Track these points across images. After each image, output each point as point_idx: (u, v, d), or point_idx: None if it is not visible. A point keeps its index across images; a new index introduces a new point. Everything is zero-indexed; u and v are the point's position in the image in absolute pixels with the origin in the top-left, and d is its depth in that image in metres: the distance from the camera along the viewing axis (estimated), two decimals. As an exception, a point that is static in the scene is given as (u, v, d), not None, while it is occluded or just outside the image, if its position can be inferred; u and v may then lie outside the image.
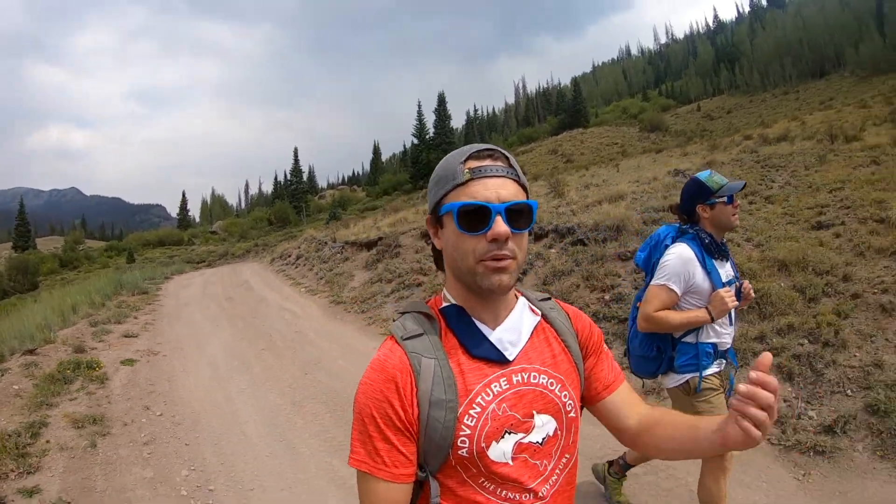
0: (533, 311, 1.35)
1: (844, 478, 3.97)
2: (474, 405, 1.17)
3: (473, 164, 1.18)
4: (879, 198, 8.40)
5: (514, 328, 1.27)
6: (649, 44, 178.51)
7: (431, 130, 71.85)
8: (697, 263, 2.88)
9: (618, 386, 1.41)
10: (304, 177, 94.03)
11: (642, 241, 8.18)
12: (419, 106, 73.51)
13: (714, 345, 2.98)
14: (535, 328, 1.32)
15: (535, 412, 1.23)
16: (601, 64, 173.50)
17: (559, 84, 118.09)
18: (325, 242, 20.04)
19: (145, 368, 8.21)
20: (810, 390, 4.82)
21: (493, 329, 1.25)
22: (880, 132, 15.97)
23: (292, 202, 76.46)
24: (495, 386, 1.20)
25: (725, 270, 3.03)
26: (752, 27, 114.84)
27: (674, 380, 3.03)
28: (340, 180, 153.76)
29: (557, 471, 1.27)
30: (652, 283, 2.94)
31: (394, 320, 1.29)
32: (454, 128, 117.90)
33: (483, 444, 1.17)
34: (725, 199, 2.92)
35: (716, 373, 3.00)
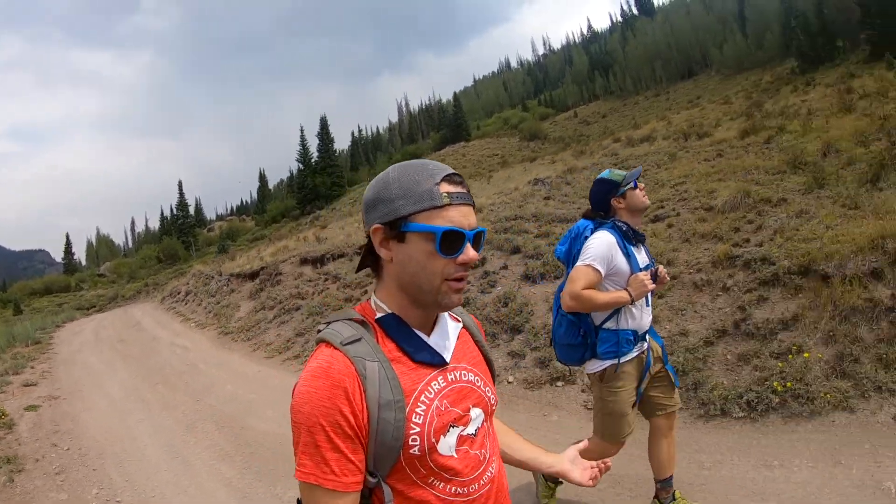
0: (453, 318, 1.44)
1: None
2: (419, 403, 1.23)
3: (450, 188, 1.24)
4: (712, 188, 9.58)
5: (444, 333, 1.36)
6: (528, 55, 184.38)
7: (315, 154, 72.11)
8: (618, 248, 3.13)
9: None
10: (192, 210, 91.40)
11: (490, 249, 9.49)
12: (301, 131, 73.31)
13: (633, 331, 3.21)
14: (459, 333, 1.43)
15: (470, 406, 1.33)
16: (482, 77, 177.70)
17: (440, 100, 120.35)
18: (212, 276, 20.54)
19: (48, 412, 8.67)
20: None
21: (429, 335, 1.33)
22: (731, 126, 17.78)
23: (180, 237, 74.93)
24: (434, 384, 1.27)
25: (642, 256, 3.30)
26: (624, 35, 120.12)
27: (594, 366, 3.25)
28: (229, 210, 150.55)
29: (494, 460, 1.38)
30: (577, 264, 3.11)
31: (319, 331, 1.31)
32: (341, 149, 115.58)
33: (433, 440, 1.22)
34: (632, 184, 3.23)
35: (636, 356, 3.25)
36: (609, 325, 3.17)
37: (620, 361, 3.15)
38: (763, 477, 4.02)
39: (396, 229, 1.23)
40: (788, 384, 4.74)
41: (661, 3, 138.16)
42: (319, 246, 15.21)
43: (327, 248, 14.63)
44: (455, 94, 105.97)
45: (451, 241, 1.21)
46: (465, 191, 1.27)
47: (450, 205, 1.22)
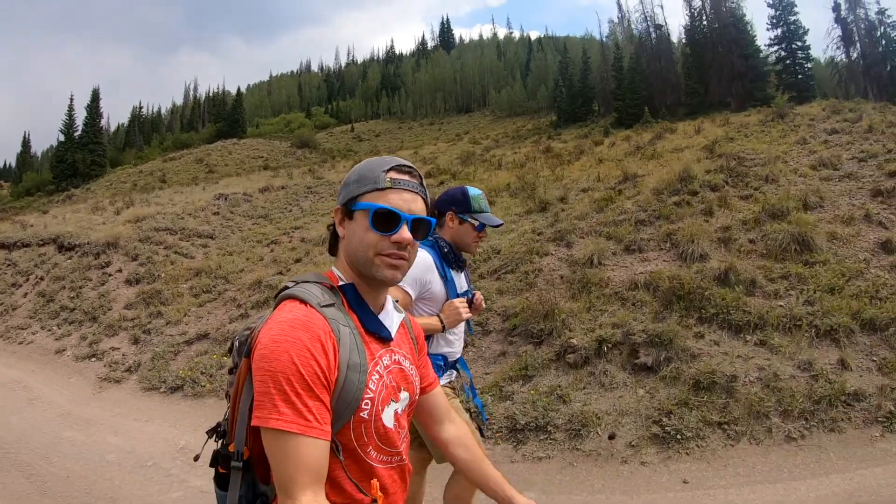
0: (398, 309, 1.58)
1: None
2: (374, 373, 1.34)
3: (395, 175, 1.37)
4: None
5: (390, 316, 1.49)
6: (332, 62, 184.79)
7: (80, 128, 67.53)
8: (436, 271, 2.91)
9: (434, 387, 1.71)
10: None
11: (129, 256, 12.41)
12: (71, 100, 68.42)
13: (444, 356, 3.02)
14: (401, 323, 1.56)
15: (402, 387, 1.45)
16: (279, 74, 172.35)
17: (231, 90, 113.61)
18: None
19: None
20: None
21: (378, 314, 1.45)
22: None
23: None
24: (385, 359, 1.40)
25: (461, 282, 3.09)
26: (419, 62, 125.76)
27: None
28: None
29: (406, 438, 1.51)
30: None
31: (287, 286, 1.38)
32: (120, 123, 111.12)
33: (380, 407, 1.34)
34: (477, 223, 2.99)
35: (448, 383, 3.05)
36: None
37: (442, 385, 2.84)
38: None
39: (348, 208, 1.39)
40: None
41: (463, 39, 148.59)
42: (24, 233, 16.93)
43: (30, 235, 16.37)
44: (239, 89, 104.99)
45: (385, 220, 1.33)
46: (412, 180, 1.40)
47: (391, 188, 1.35)
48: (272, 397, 1.15)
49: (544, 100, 76.94)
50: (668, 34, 58.90)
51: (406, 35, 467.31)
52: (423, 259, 2.88)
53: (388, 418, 1.37)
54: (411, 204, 1.38)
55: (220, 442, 1.44)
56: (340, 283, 1.41)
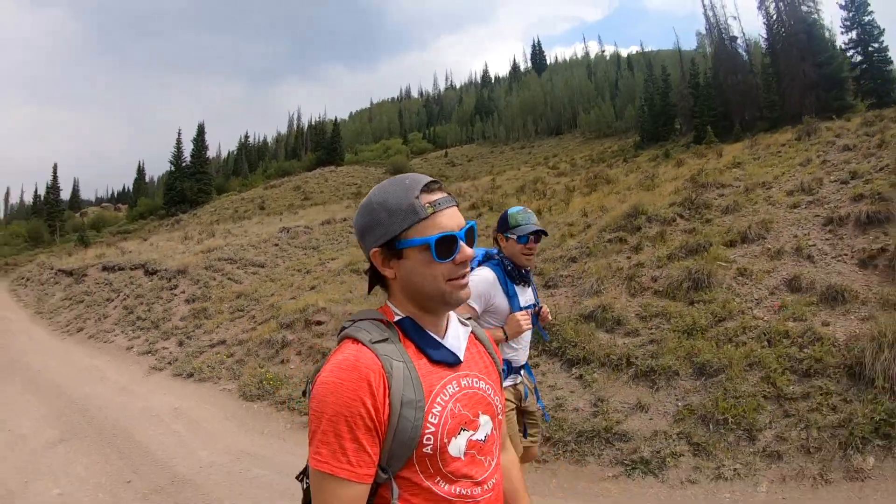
0: (462, 322, 1.51)
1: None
2: (436, 405, 1.28)
3: (430, 197, 1.30)
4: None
5: (456, 336, 1.44)
6: (430, 87, 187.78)
7: (188, 159, 73.48)
8: (499, 286, 3.15)
9: (504, 412, 1.65)
10: (68, 192, 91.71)
11: (192, 281, 15.16)
12: (179, 133, 74.56)
13: (508, 361, 3.25)
14: (469, 338, 1.49)
15: (479, 412, 1.38)
16: (381, 101, 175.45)
17: (332, 119, 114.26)
18: (47, 268, 25.65)
19: None
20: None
21: (442, 338, 1.40)
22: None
23: (48, 220, 74.52)
24: (449, 387, 1.33)
25: (526, 296, 3.33)
26: (511, 85, 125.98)
27: None
28: (110, 194, 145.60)
29: (497, 467, 1.44)
30: None
31: (344, 326, 1.36)
32: (231, 150, 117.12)
33: (445, 440, 1.28)
34: (516, 238, 3.19)
35: (510, 386, 3.31)
36: None
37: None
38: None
39: (393, 248, 1.31)
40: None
41: (558, 59, 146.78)
42: (123, 258, 20.83)
43: (126, 260, 20.17)
44: (335, 119, 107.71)
45: (445, 246, 1.28)
46: (444, 195, 1.33)
47: (434, 213, 1.28)
48: (314, 436, 1.19)
49: (631, 119, 74.06)
50: (748, 46, 55.31)
51: (501, 57, 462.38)
52: (486, 276, 3.15)
53: (456, 449, 1.31)
54: (456, 219, 1.34)
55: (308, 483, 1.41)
56: (397, 317, 1.38)
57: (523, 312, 3.18)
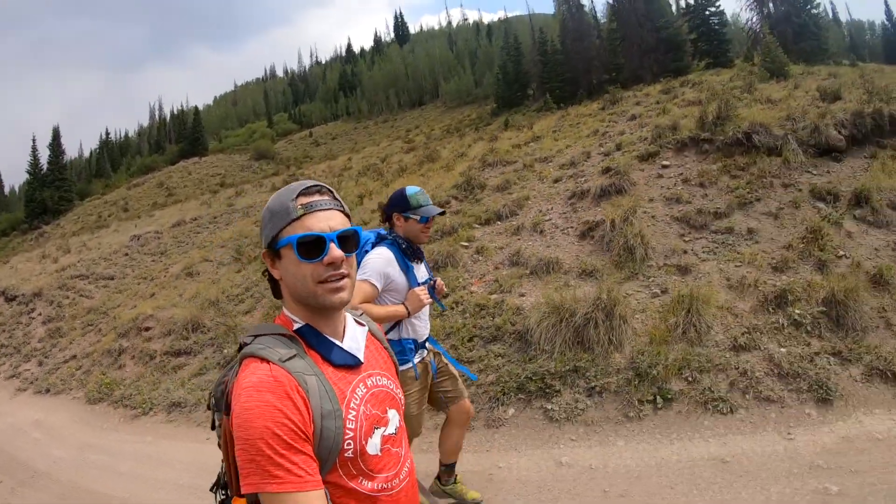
0: (359, 322, 1.60)
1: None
2: (350, 410, 1.35)
3: (305, 199, 1.37)
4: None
5: (354, 337, 1.50)
6: (296, 65, 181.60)
7: (45, 166, 70.08)
8: (397, 264, 3.30)
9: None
10: None
11: (47, 302, 16.47)
12: (33, 141, 71.10)
13: (413, 340, 3.47)
14: (367, 337, 1.57)
15: (387, 408, 1.48)
16: (245, 83, 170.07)
17: (193, 107, 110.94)
18: None
19: None
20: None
21: (341, 341, 1.46)
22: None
23: None
24: (359, 390, 1.41)
25: (421, 272, 3.50)
26: (374, 59, 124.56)
27: None
28: None
29: (408, 455, 1.55)
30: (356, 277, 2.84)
31: (245, 343, 1.38)
32: (78, 156, 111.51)
33: (363, 442, 1.36)
34: (419, 217, 3.35)
35: (420, 361, 3.52)
36: (391, 335, 3.38)
37: (401, 368, 3.29)
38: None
39: (273, 249, 1.39)
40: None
41: (422, 30, 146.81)
42: None
43: None
44: (196, 107, 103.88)
45: (309, 246, 1.32)
46: (323, 198, 1.40)
47: (304, 214, 1.35)
48: (259, 464, 1.17)
49: (490, 87, 73.07)
50: (595, 13, 58.00)
51: (368, 30, 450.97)
52: (384, 254, 3.27)
53: (373, 447, 1.39)
54: (329, 222, 1.37)
55: (224, 493, 1.49)
56: (296, 325, 1.41)
57: (421, 287, 3.36)
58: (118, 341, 11.37)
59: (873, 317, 5.57)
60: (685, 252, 7.31)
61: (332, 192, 1.47)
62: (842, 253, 6.68)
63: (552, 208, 9.45)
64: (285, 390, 1.24)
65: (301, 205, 1.37)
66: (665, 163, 9.75)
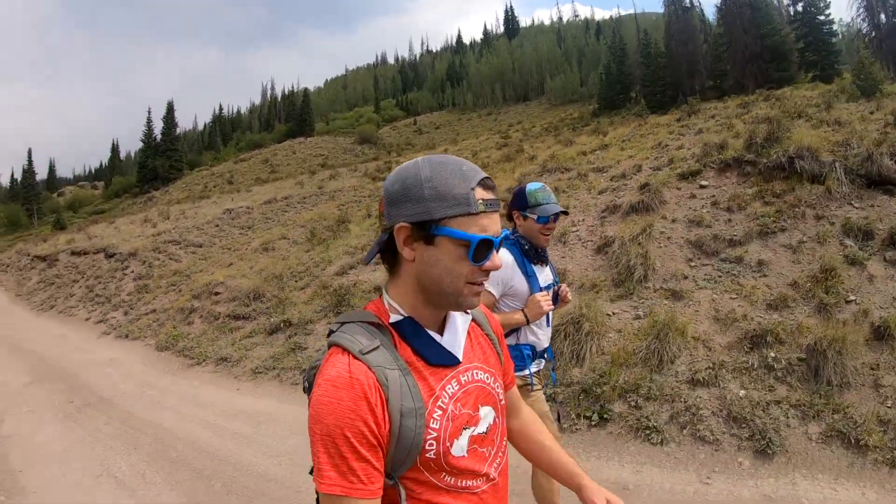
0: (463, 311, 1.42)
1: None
2: (436, 409, 1.25)
3: (484, 194, 1.23)
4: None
5: (455, 331, 1.37)
6: (407, 53, 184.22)
7: (159, 136, 74.85)
8: (517, 268, 3.05)
9: (513, 384, 1.65)
10: (45, 173, 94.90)
11: (140, 262, 18.51)
12: (149, 112, 76.21)
13: (532, 346, 3.17)
14: (469, 328, 1.44)
15: (479, 405, 1.35)
16: (355, 68, 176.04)
17: (304, 89, 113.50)
18: (23, 255, 29.10)
19: None
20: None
21: (442, 335, 1.34)
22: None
23: (25, 204, 76.96)
24: (449, 388, 1.29)
25: (545, 275, 3.21)
26: (482, 51, 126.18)
27: None
28: (88, 171, 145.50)
29: (500, 454, 1.41)
30: None
31: (331, 331, 1.31)
32: (192, 128, 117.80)
33: (448, 444, 1.26)
34: (536, 217, 3.06)
35: (535, 372, 3.21)
36: (509, 340, 3.11)
37: (531, 373, 3.15)
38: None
39: (426, 230, 1.22)
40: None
41: (532, 24, 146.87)
42: (89, 243, 24.05)
43: (91, 245, 23.42)
44: (305, 89, 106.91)
45: (482, 250, 1.23)
46: (496, 197, 1.27)
47: (484, 212, 1.23)
48: (318, 460, 1.15)
49: (595, 87, 72.49)
50: (702, 14, 55.41)
51: (479, 22, 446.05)
52: (504, 257, 2.97)
53: (459, 449, 1.29)
54: (498, 224, 1.27)
55: None
56: (393, 318, 1.32)
57: (543, 293, 3.08)
58: (191, 301, 12.77)
59: (861, 373, 5.12)
60: (685, 277, 7.22)
61: (496, 188, 1.32)
62: (852, 297, 6.12)
63: (584, 220, 9.56)
64: (362, 389, 1.16)
65: (482, 200, 1.23)
66: (704, 183, 9.50)
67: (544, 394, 3.45)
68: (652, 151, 12.49)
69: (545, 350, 3.32)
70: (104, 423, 7.12)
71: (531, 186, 3.15)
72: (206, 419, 6.91)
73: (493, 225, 1.25)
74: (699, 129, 13.69)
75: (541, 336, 3.23)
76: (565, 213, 3.30)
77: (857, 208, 7.65)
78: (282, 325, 9.83)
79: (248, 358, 8.98)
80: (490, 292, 2.97)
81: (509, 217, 3.22)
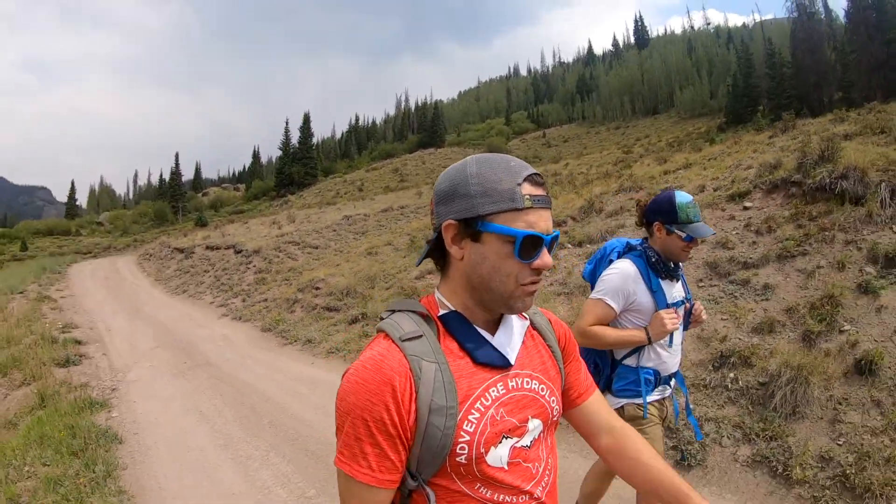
0: (521, 316, 1.37)
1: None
2: (473, 410, 1.19)
3: (532, 190, 1.20)
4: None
5: (510, 333, 1.31)
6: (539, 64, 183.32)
7: (296, 145, 79.76)
8: (641, 281, 2.82)
9: (590, 395, 1.51)
10: (191, 174, 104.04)
11: (262, 258, 20.88)
12: (286, 123, 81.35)
13: (655, 370, 2.89)
14: (526, 333, 1.37)
15: (529, 416, 1.27)
16: (488, 80, 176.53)
17: (436, 100, 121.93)
18: (164, 247, 33.03)
19: (70, 300, 20.32)
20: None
21: (493, 335, 1.28)
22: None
23: (171, 201, 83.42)
24: (493, 390, 1.23)
25: (673, 291, 2.94)
26: (612, 63, 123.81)
27: (610, 402, 2.85)
28: (231, 174, 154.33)
29: (548, 472, 1.32)
30: (590, 296, 2.87)
31: (381, 318, 1.28)
32: (330, 136, 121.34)
33: (482, 450, 1.19)
34: (684, 235, 2.80)
35: (657, 400, 2.95)
36: (629, 360, 2.90)
37: (625, 402, 2.88)
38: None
39: (472, 227, 1.20)
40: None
41: (666, 32, 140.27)
42: (222, 239, 27.07)
43: (223, 241, 26.57)
44: (435, 102, 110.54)
45: (529, 246, 1.19)
46: (545, 193, 1.23)
47: (531, 208, 1.19)
48: (339, 433, 1.16)
49: (723, 98, 68.12)
50: (831, 20, 52.05)
51: (610, 31, 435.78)
52: (626, 269, 2.84)
53: (496, 458, 1.21)
54: (548, 222, 1.22)
55: None
56: (442, 311, 1.28)
57: (670, 310, 2.84)
58: (296, 293, 14.59)
59: (824, 406, 4.89)
60: (687, 298, 7.35)
61: (546, 185, 1.26)
62: (847, 327, 5.71)
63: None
64: (390, 374, 1.13)
65: (528, 195, 1.19)
66: (748, 204, 9.23)
67: (665, 427, 3.11)
68: (725, 171, 12.22)
69: (672, 375, 3.02)
70: (205, 378, 8.93)
71: (682, 199, 2.85)
72: (278, 381, 8.52)
73: (541, 221, 1.21)
74: (781, 148, 13.07)
75: (665, 358, 2.94)
76: (713, 234, 3.24)
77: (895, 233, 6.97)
78: (360, 316, 11.39)
79: (328, 341, 10.53)
80: (610, 305, 2.80)
81: (646, 225, 3.01)
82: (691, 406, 3.50)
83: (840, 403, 4.86)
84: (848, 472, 4.17)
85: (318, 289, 14.44)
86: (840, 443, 4.50)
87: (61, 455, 5.64)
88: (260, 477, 5.34)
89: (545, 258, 1.22)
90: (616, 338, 2.79)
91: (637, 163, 23.50)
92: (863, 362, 5.08)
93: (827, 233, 7.35)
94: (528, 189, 1.19)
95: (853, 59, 42.41)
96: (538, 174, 1.22)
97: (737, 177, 10.87)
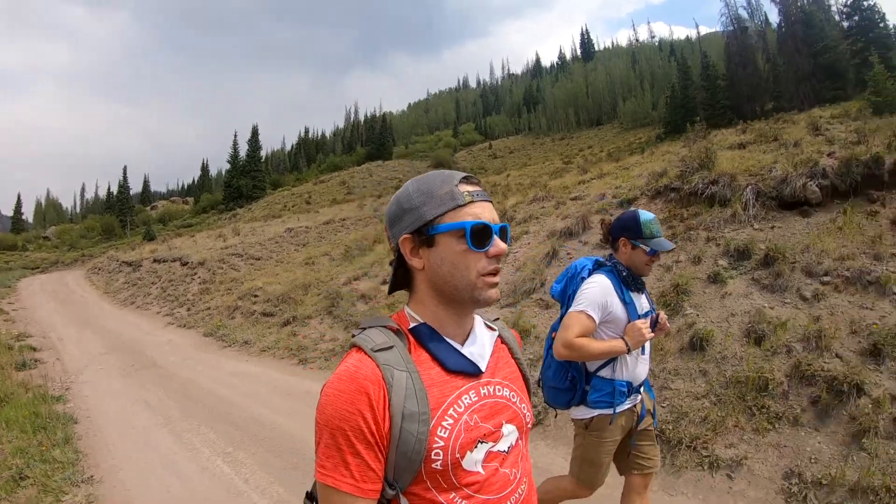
0: (489, 327, 1.44)
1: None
2: (447, 417, 1.22)
3: (469, 187, 1.28)
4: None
5: (480, 343, 1.36)
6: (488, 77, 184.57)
7: (244, 158, 79.93)
8: (616, 294, 2.97)
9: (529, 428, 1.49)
10: (139, 187, 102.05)
11: (206, 269, 22.02)
12: (235, 135, 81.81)
13: (628, 382, 3.03)
14: (495, 344, 1.42)
15: (503, 422, 1.31)
16: (437, 92, 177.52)
17: (384, 112, 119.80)
18: (112, 260, 33.67)
19: (22, 313, 21.07)
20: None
21: (462, 344, 1.33)
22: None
23: (119, 215, 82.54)
24: (465, 398, 1.26)
25: (641, 303, 3.11)
26: (558, 75, 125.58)
27: (582, 413, 3.07)
28: (180, 187, 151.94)
29: (525, 480, 1.36)
30: (571, 309, 2.95)
31: (353, 335, 1.30)
32: (280, 148, 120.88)
33: (458, 455, 1.21)
34: (648, 249, 2.98)
35: (629, 408, 3.08)
36: (604, 373, 3.04)
37: (597, 413, 3.02)
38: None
39: (425, 234, 1.26)
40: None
41: (612, 46, 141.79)
42: (169, 252, 28.06)
43: (170, 254, 27.49)
44: (384, 114, 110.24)
45: (480, 235, 1.24)
46: (481, 189, 1.30)
47: (472, 202, 1.26)
48: (317, 448, 1.17)
49: (663, 110, 68.32)
50: (765, 34, 53.71)
51: (557, 45, 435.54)
52: (602, 283, 2.96)
53: (472, 463, 1.24)
54: (492, 213, 1.30)
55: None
56: (412, 324, 1.33)
57: (643, 320, 2.99)
58: (236, 301, 15.79)
59: (654, 376, 5.68)
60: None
61: (482, 184, 1.36)
62: (690, 311, 6.52)
63: (528, 243, 10.68)
64: (364, 384, 1.17)
65: (467, 192, 1.27)
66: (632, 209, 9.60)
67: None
68: (629, 180, 12.62)
69: (641, 384, 3.18)
70: (150, 377, 10.13)
71: (645, 217, 3.06)
72: (215, 376, 9.84)
73: (485, 213, 1.28)
74: (682, 158, 12.92)
75: (639, 368, 3.11)
76: (673, 249, 3.39)
77: (756, 230, 7.74)
78: (291, 319, 12.75)
79: (261, 342, 11.85)
80: (592, 317, 2.91)
81: (612, 241, 3.19)
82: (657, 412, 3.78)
83: (671, 374, 5.68)
84: (664, 428, 5.03)
85: (256, 297, 15.64)
86: (664, 406, 5.30)
87: (26, 433, 6.88)
88: (189, 441, 6.71)
89: (499, 244, 1.28)
90: (601, 348, 2.91)
91: (569, 173, 24.38)
92: (695, 339, 5.88)
93: (693, 232, 8.18)
94: (465, 187, 1.28)
95: (783, 70, 44.71)
96: (472, 175, 1.32)
97: (635, 185, 11.48)
